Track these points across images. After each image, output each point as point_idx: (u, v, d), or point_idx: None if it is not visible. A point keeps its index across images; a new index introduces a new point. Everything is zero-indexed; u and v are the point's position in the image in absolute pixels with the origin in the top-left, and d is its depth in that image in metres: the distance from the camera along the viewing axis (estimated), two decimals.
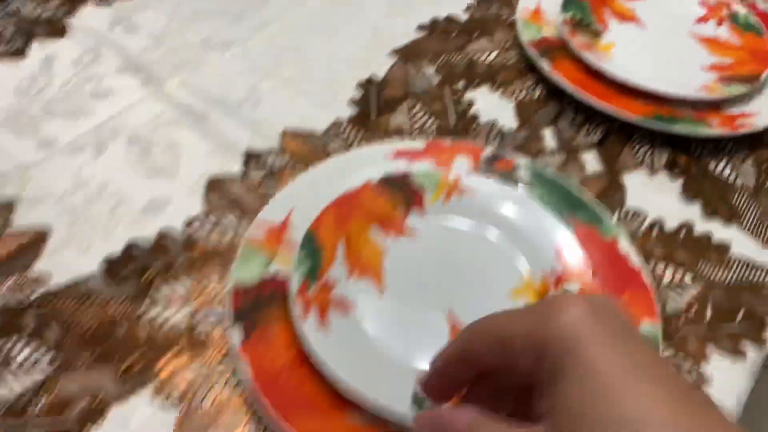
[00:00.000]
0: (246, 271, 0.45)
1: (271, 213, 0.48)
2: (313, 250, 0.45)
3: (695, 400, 0.23)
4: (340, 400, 0.39)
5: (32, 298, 0.45)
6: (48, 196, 0.51)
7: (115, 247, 0.48)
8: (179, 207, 0.51)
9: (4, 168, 0.52)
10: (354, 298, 0.44)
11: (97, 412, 0.40)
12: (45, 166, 0.53)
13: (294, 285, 0.43)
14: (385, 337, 0.42)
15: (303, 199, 0.49)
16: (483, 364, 0.27)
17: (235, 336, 0.41)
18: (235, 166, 0.54)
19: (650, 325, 0.44)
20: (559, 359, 0.24)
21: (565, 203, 0.50)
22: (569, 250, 0.46)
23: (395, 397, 0.38)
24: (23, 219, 0.49)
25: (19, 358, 0.42)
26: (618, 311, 0.26)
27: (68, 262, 0.47)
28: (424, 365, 0.40)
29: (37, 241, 0.48)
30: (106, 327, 0.43)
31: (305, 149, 0.55)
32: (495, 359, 0.26)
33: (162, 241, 0.48)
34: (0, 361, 0.42)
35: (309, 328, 0.41)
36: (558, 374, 0.24)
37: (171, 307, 0.45)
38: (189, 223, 0.49)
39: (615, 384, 0.23)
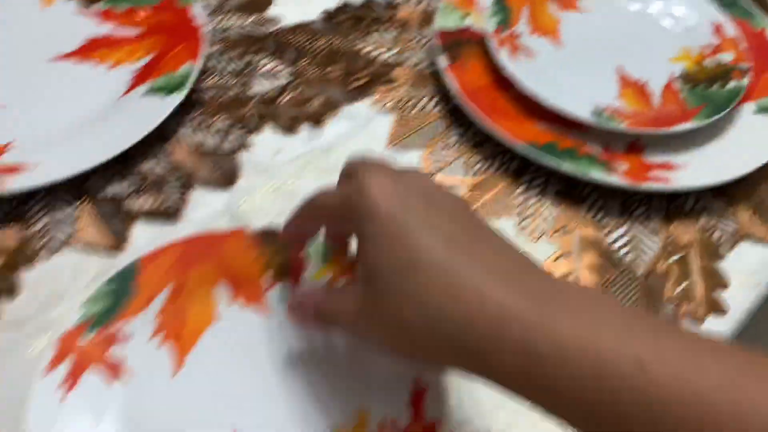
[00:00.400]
0: (446, 21, 0.53)
1: None
2: (503, 7, 0.53)
3: (484, 236, 0.27)
4: (529, 113, 0.48)
5: (270, 30, 0.55)
6: None
7: (330, 4, 0.57)
8: None
9: None
10: (536, 50, 0.52)
11: (331, 106, 0.50)
12: None
13: (490, 26, 0.51)
14: (563, 80, 0.51)
15: None
16: (317, 225, 0.33)
17: (443, 61, 0.50)
18: None
19: None
20: (362, 224, 0.27)
21: (721, 2, 0.57)
22: (724, 28, 0.53)
23: (574, 107, 0.46)
24: None
25: (265, 68, 0.52)
26: (422, 180, 0.28)
27: (294, 11, 0.56)
28: (596, 103, 0.48)
29: None
30: (331, 55, 0.53)
31: None
32: (325, 222, 0.32)
33: (369, 4, 0.57)
34: (251, 68, 0.52)
35: (503, 56, 0.49)
36: (362, 236, 0.27)
37: (382, 48, 0.54)
38: None
39: (405, 235, 0.26)
